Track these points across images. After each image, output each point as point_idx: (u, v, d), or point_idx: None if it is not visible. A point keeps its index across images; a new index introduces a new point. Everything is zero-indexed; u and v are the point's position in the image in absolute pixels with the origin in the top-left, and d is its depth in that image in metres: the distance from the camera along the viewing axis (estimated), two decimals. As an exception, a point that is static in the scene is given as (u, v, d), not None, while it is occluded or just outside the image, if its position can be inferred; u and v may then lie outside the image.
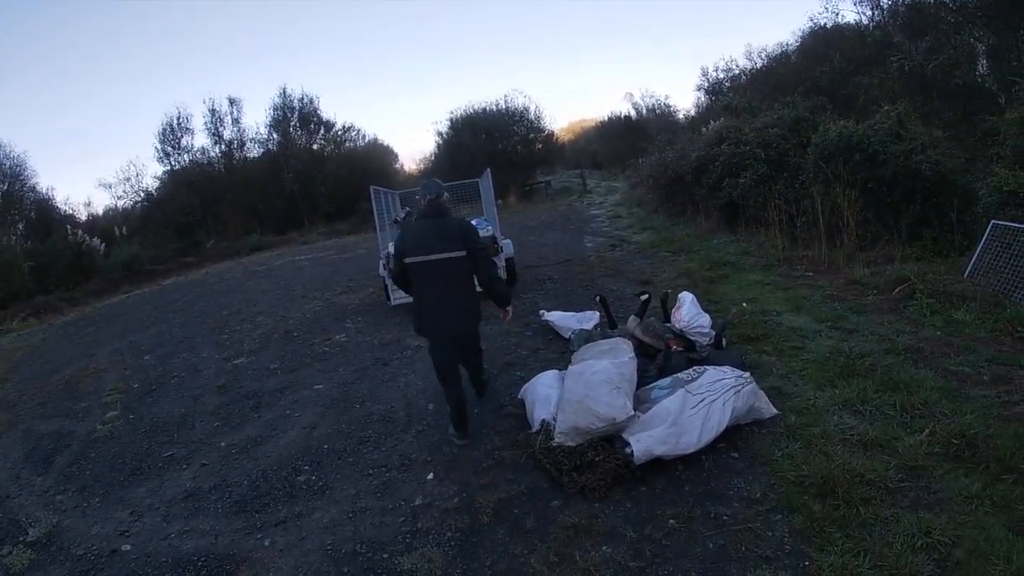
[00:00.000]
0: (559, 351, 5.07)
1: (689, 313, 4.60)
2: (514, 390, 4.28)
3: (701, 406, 3.23)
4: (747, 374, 3.50)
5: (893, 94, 10.22)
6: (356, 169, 24.61)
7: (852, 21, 13.77)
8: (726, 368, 3.56)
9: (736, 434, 3.28)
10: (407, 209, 8.62)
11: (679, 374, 3.61)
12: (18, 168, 20.75)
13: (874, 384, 3.55)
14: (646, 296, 4.76)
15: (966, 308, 4.66)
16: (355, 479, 3.53)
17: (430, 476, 3.43)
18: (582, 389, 3.34)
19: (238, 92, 37.52)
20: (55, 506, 3.79)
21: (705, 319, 4.58)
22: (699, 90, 22.67)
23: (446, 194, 3.74)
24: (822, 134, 7.68)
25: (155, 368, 6.54)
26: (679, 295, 4.76)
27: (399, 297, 6.75)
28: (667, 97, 32.65)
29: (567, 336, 5.25)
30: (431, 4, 65.49)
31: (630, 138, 26.24)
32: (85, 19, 48.14)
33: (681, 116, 25.53)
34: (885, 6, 12.91)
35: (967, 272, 5.33)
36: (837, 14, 13.83)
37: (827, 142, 7.43)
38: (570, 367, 3.62)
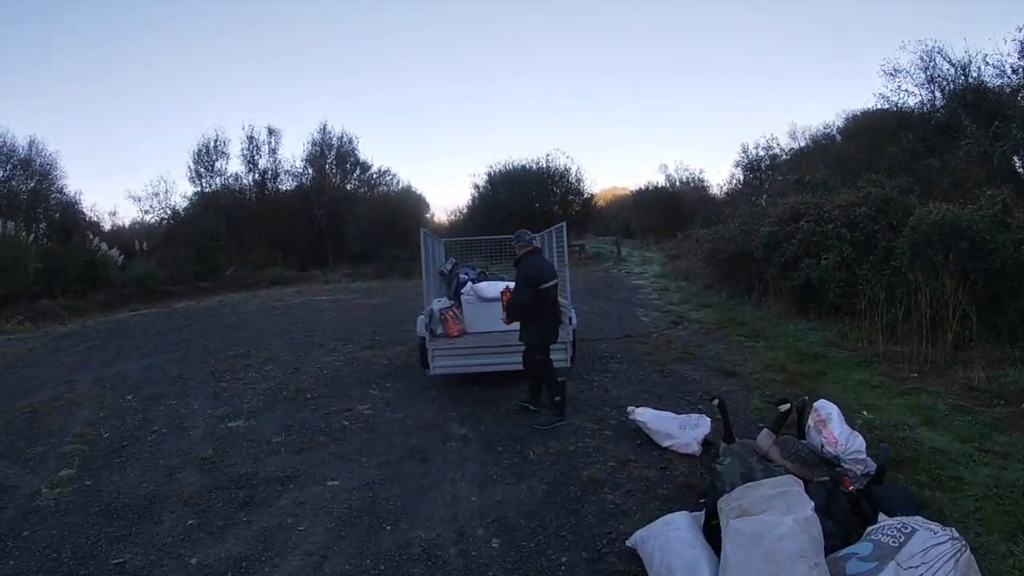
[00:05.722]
0: (657, 465, 3.81)
1: (842, 433, 3.44)
2: (611, 527, 3.06)
3: (918, 586, 2.17)
4: (954, 531, 2.46)
5: (980, 179, 9.42)
6: (387, 214, 24.08)
7: (912, 104, 13.22)
8: (935, 526, 2.51)
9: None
10: (452, 260, 7.62)
11: (880, 536, 2.46)
12: (48, 167, 20.44)
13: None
14: (787, 406, 3.55)
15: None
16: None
17: None
18: (763, 565, 2.17)
19: (278, 123, 37.75)
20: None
21: (859, 441, 3.41)
22: (737, 166, 22.30)
23: None
24: (920, 217, 6.81)
25: (135, 414, 5.43)
26: (815, 404, 3.63)
27: (440, 366, 5.53)
28: (701, 171, 32.22)
29: (664, 444, 4.01)
30: (477, 64, 67.14)
31: (664, 209, 26.04)
32: (137, 31, 48.89)
33: (715, 190, 25.48)
34: (952, 90, 12.27)
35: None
36: (905, 92, 13.13)
37: (928, 226, 6.57)
38: (730, 521, 2.35)
